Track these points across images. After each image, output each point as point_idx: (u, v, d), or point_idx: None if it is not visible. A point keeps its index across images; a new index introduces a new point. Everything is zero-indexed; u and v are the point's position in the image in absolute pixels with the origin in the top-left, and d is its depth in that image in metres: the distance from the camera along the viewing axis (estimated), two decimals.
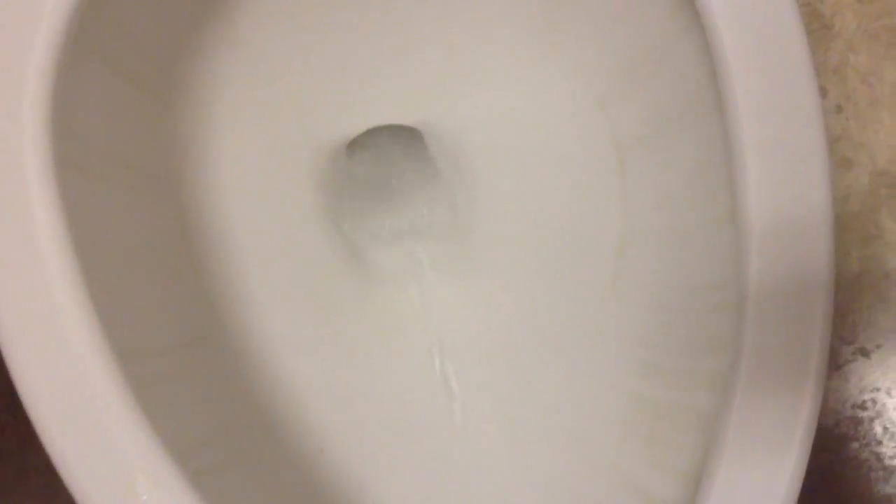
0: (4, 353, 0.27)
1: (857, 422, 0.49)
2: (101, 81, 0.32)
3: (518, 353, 0.38)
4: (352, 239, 0.40)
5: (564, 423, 0.35)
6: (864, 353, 0.49)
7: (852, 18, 0.53)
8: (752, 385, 0.26)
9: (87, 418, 0.26)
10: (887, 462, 0.49)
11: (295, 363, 0.35)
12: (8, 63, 0.28)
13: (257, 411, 0.34)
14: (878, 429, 0.49)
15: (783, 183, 0.27)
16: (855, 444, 0.49)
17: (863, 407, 0.49)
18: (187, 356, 0.31)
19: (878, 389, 0.49)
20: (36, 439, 0.28)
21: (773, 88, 0.28)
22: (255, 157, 0.39)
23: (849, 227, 0.50)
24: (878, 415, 0.49)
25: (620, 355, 0.35)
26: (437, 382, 0.38)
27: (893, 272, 0.50)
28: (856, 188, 0.51)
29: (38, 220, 0.26)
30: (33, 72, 0.28)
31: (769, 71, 0.28)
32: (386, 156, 0.42)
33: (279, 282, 0.37)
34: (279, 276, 0.37)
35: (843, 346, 0.49)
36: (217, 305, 0.35)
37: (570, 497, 0.34)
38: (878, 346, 0.49)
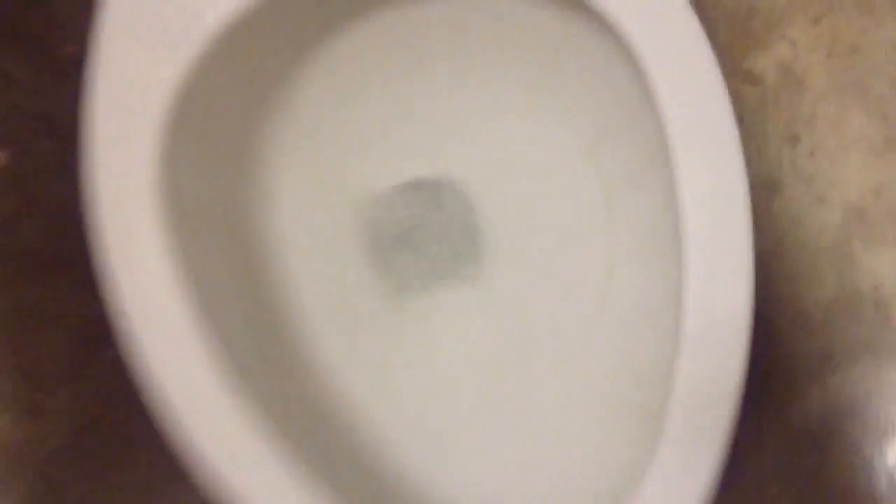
0: (143, 374, 0.36)
1: (840, 425, 0.55)
2: (194, 158, 0.42)
3: (519, 361, 0.46)
4: (386, 264, 0.49)
5: (555, 420, 0.42)
6: (842, 366, 0.56)
7: (822, 73, 0.61)
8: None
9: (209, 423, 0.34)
10: (867, 462, 0.55)
11: (338, 361, 0.43)
12: (129, 151, 0.38)
13: (316, 410, 0.42)
14: (858, 433, 0.55)
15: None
16: (838, 448, 0.55)
17: (844, 413, 0.55)
18: (262, 367, 0.40)
19: (855, 398, 0.55)
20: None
21: (709, 172, 0.35)
22: (308, 205, 0.48)
23: (823, 257, 0.57)
24: (859, 419, 0.55)
25: (608, 364, 0.42)
26: (449, 383, 0.46)
27: (866, 294, 0.56)
28: (829, 222, 0.58)
29: (154, 257, 0.35)
30: (144, 154, 0.37)
31: (705, 156, 0.36)
32: (411, 207, 0.51)
33: (325, 299, 0.46)
34: (325, 295, 0.46)
35: (822, 361, 0.55)
36: (279, 329, 0.44)
37: (550, 483, 0.41)
38: (855, 360, 0.55)
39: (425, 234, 0.50)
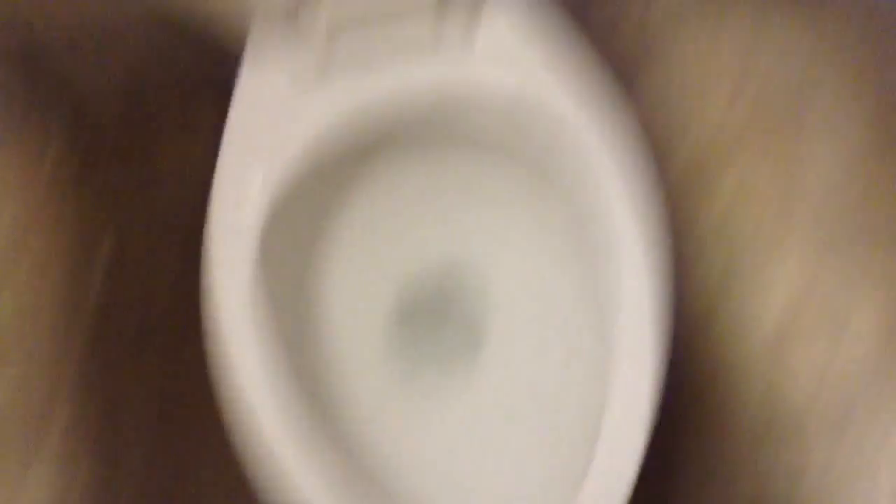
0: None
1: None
2: (279, 250, 0.57)
3: (499, 417, 0.60)
4: (403, 340, 0.64)
5: (525, 459, 0.57)
6: (771, 448, 0.66)
7: (763, 211, 0.75)
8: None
9: None
10: None
11: (359, 404, 0.60)
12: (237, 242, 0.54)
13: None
14: None
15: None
16: None
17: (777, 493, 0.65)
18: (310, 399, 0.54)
19: (787, 478, 0.65)
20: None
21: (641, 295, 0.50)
22: (349, 290, 0.64)
23: (755, 368, 0.69)
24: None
25: (567, 421, 0.56)
26: (446, 429, 0.61)
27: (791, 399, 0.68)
28: (762, 337, 0.70)
29: (249, 319, 0.50)
30: (246, 246, 0.53)
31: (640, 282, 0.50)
32: (428, 291, 0.66)
33: (355, 361, 0.61)
34: (355, 357, 0.61)
35: (754, 444, 0.66)
36: (320, 375, 0.58)
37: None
38: (783, 443, 0.66)
39: (438, 314, 0.65)
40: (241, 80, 0.57)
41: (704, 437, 0.68)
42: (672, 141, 0.77)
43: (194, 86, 0.78)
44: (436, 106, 0.58)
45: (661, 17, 0.78)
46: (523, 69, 0.57)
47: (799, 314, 0.70)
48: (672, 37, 0.77)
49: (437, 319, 0.64)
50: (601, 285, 0.54)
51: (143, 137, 0.81)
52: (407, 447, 0.58)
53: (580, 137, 0.54)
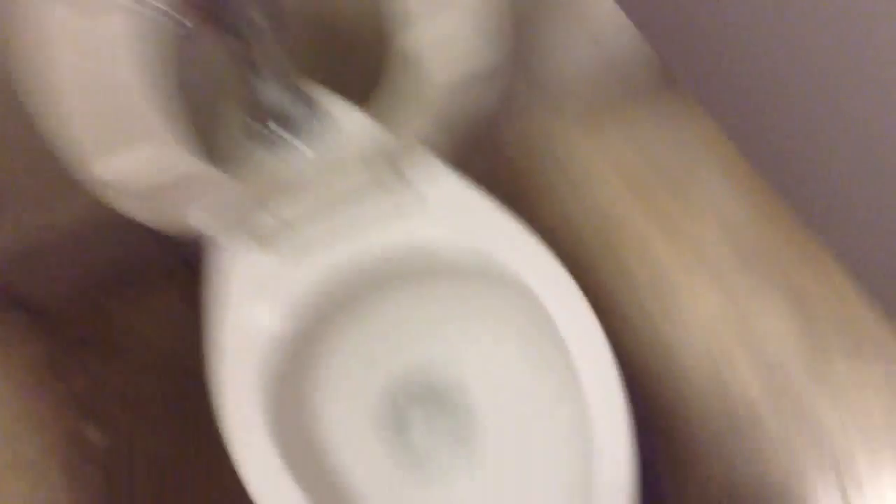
0: None
1: None
2: (283, 377, 0.67)
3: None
4: (401, 444, 0.76)
5: None
6: None
7: None
8: None
9: None
10: None
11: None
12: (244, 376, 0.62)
13: None
14: None
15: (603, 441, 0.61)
16: None
17: None
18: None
19: None
20: None
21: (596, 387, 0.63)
22: (344, 401, 0.76)
23: None
24: None
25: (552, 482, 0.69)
26: None
27: None
28: None
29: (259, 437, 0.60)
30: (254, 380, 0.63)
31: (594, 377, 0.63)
32: (423, 399, 0.78)
33: (358, 462, 0.73)
34: (358, 459, 0.74)
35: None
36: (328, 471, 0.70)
37: None
38: None
39: (431, 420, 0.77)
40: (219, 263, 0.66)
41: (673, 441, 0.79)
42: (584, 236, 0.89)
43: (157, 273, 0.83)
44: (405, 259, 0.70)
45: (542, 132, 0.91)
46: (470, 226, 0.69)
47: (722, 329, 0.79)
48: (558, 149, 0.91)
49: (429, 417, 0.75)
50: (568, 381, 0.66)
51: (110, 328, 0.85)
52: None
53: (521, 276, 0.67)
